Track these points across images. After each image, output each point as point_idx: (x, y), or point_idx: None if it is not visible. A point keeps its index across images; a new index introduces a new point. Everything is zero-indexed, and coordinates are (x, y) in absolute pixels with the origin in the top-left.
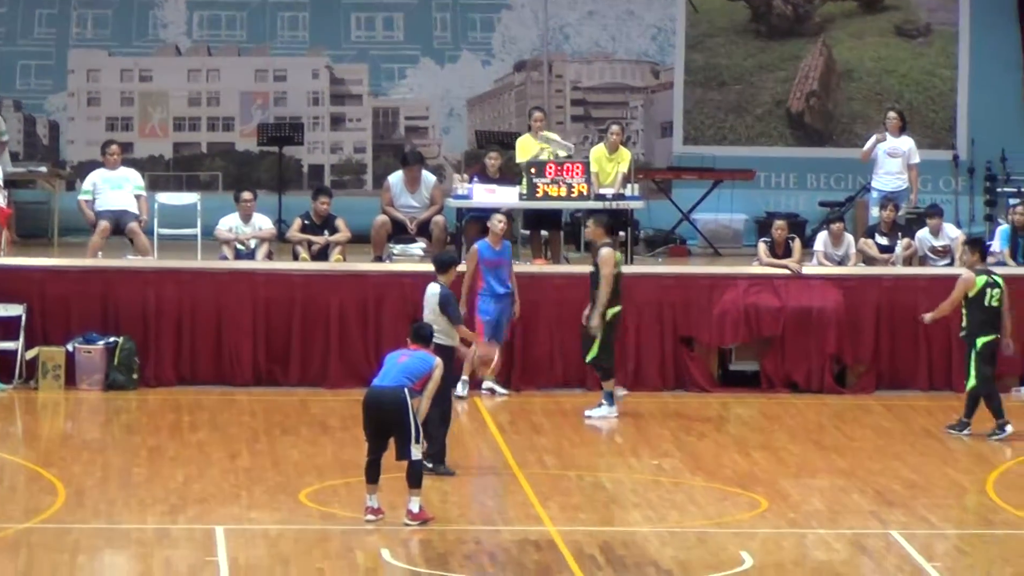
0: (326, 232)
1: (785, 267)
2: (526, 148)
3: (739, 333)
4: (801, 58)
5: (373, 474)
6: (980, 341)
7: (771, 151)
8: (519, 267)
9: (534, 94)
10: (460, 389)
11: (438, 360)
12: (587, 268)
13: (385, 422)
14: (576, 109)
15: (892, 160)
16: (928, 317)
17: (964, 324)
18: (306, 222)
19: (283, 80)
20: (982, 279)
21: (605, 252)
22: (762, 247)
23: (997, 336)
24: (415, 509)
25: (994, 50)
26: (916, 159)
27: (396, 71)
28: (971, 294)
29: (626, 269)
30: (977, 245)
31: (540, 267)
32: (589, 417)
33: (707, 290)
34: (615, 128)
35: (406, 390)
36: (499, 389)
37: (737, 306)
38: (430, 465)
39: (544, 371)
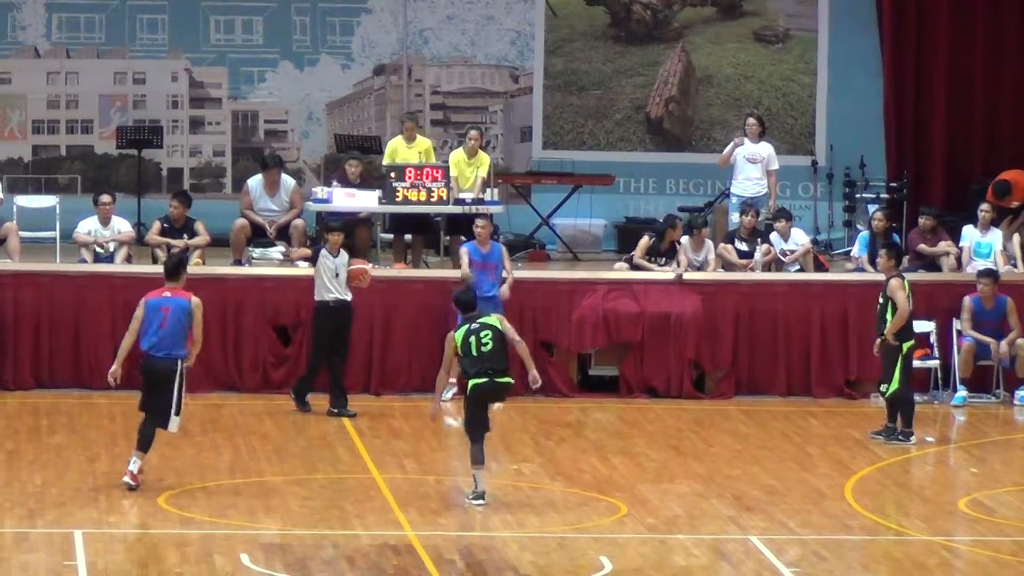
0: (185, 235)
1: (668, 271)
2: (398, 153)
3: (598, 338)
4: (660, 64)
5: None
6: (906, 346)
7: (630, 156)
8: (378, 272)
9: (394, 98)
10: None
11: (196, 299)
12: (448, 272)
13: (157, 389)
14: (435, 113)
15: (751, 166)
16: (889, 336)
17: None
18: (165, 225)
19: (142, 83)
20: (907, 284)
21: None
22: (644, 241)
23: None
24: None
25: (853, 56)
26: (775, 165)
27: (255, 74)
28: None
29: None
30: (895, 250)
31: (399, 271)
32: None
33: (567, 295)
34: (474, 133)
35: (179, 361)
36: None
37: (596, 311)
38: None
39: (403, 376)
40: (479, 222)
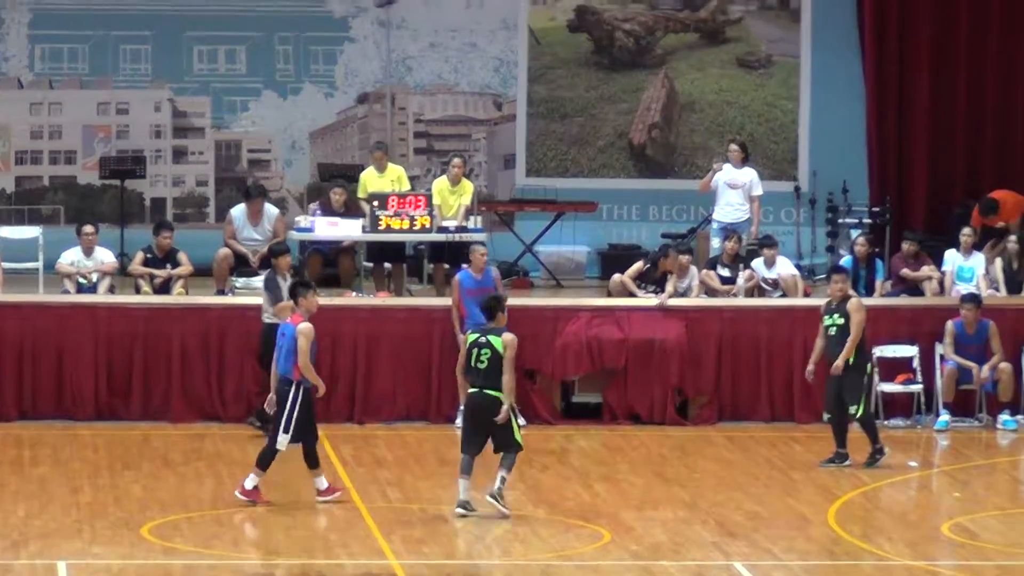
0: (168, 266)
1: (653, 298)
2: (370, 184)
3: (582, 365)
4: (643, 90)
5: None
6: (869, 366)
7: (613, 183)
8: (362, 300)
9: (377, 127)
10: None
11: (302, 326)
12: (431, 301)
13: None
14: (419, 141)
15: (732, 191)
16: (842, 361)
17: (856, 353)
18: (148, 255)
19: (125, 113)
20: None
21: None
22: (639, 265)
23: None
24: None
25: (836, 81)
26: (758, 191)
27: (238, 104)
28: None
29: None
30: (849, 273)
31: (383, 300)
32: None
33: (550, 322)
34: (457, 160)
35: (293, 383)
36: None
37: (579, 338)
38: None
39: (387, 404)
40: (479, 249)
